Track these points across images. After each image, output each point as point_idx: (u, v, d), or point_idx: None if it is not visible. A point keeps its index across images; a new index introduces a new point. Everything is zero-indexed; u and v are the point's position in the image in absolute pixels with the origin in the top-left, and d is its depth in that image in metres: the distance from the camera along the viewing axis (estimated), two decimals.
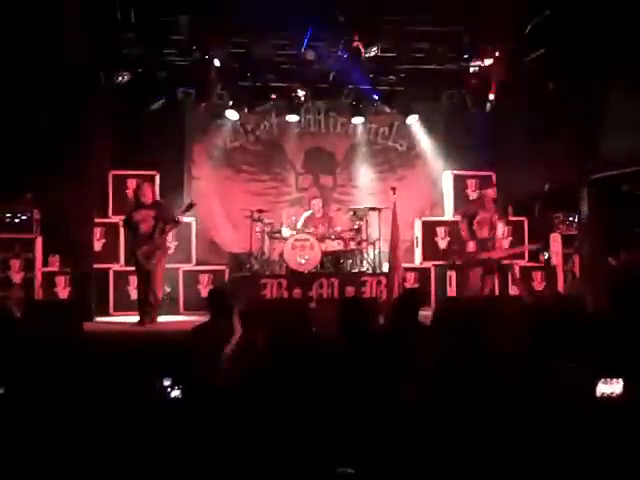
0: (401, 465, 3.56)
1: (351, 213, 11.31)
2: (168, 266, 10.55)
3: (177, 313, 10.70)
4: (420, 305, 5.65)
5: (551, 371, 3.96)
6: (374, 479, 3.52)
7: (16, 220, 10.56)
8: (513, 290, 10.70)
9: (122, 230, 10.49)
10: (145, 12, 9.64)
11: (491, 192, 9.64)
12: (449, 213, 11.80)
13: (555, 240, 11.38)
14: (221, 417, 3.83)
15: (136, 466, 3.63)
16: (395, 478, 3.56)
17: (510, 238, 11.29)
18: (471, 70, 11.15)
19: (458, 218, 9.87)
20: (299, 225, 11.10)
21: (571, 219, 11.14)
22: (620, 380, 3.94)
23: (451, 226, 11.14)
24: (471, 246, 9.34)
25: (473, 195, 11.66)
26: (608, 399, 3.93)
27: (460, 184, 11.77)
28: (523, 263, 11.24)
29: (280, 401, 3.95)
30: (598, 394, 3.93)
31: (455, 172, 11.80)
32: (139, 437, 3.77)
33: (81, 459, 3.71)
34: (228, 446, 3.65)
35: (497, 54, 10.84)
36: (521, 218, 11.49)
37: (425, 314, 5.62)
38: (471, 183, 11.73)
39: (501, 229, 9.63)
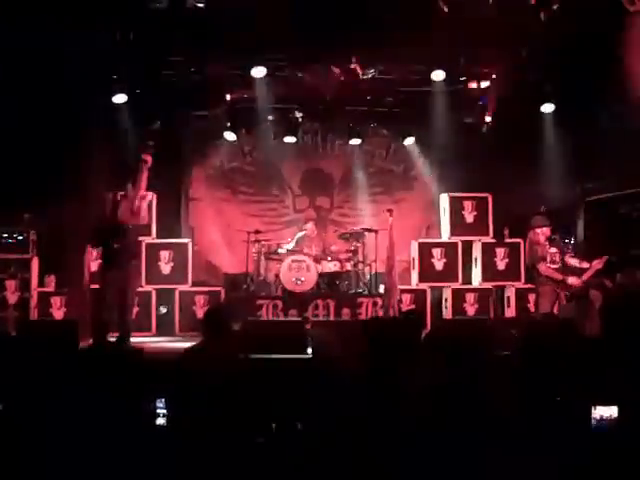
0: None
1: (348, 234, 11.32)
2: (164, 287, 10.59)
3: (172, 334, 10.66)
4: (421, 327, 5.65)
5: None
6: None
7: (12, 240, 10.56)
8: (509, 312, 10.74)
9: None
10: (143, 33, 9.65)
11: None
12: (445, 235, 11.80)
13: None
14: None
15: None
16: None
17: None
18: (468, 92, 11.20)
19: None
20: (291, 245, 11.10)
21: (567, 241, 11.13)
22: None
23: None
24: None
25: (469, 217, 11.66)
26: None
27: (457, 206, 11.77)
28: (519, 285, 11.22)
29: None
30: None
31: (452, 194, 11.82)
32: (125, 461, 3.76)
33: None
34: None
35: (494, 76, 10.91)
36: (517, 240, 11.49)
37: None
38: (467, 205, 11.73)
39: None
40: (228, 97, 11.14)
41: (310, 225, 11.44)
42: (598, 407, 3.96)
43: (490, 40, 9.86)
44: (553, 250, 8.91)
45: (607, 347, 4.61)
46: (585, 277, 8.79)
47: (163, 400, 4.05)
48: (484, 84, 11.03)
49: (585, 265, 8.90)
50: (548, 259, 8.87)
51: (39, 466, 3.81)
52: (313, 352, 6.70)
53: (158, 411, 4.04)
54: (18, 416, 4.13)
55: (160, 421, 4.03)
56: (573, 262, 9.01)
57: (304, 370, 5.40)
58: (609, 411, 3.96)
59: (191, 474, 3.67)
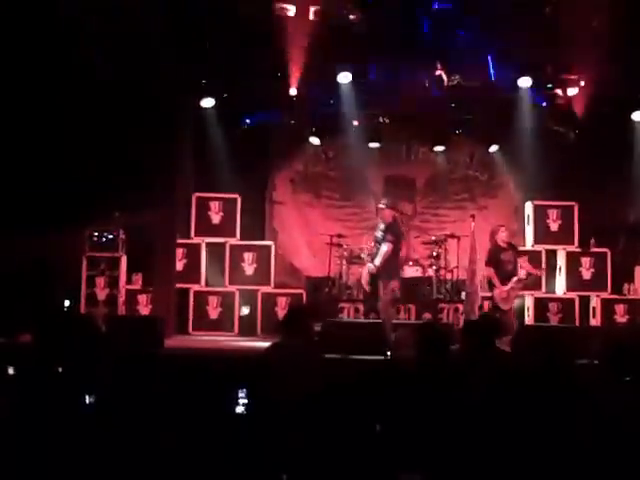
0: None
1: (430, 240, 11.31)
2: (246, 287, 10.81)
3: (254, 335, 10.82)
4: (497, 331, 5.61)
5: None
6: None
7: (103, 239, 10.90)
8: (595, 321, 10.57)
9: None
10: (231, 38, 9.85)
11: None
12: (529, 243, 11.67)
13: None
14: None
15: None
16: None
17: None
18: (555, 99, 11.06)
19: None
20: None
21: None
22: None
23: None
24: None
25: (554, 226, 11.52)
26: None
27: (541, 214, 11.62)
28: (605, 295, 11.01)
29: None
30: None
31: (536, 202, 11.68)
32: (208, 447, 3.88)
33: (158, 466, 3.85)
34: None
35: (582, 84, 10.74)
36: (604, 249, 11.27)
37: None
38: (552, 213, 11.57)
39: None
40: (313, 102, 11.25)
41: None
42: None
43: (579, 46, 9.75)
44: None
45: None
46: None
47: (245, 390, 4.17)
48: (572, 91, 10.85)
49: None
50: None
51: (132, 453, 3.95)
52: (391, 354, 6.76)
53: (239, 400, 4.17)
54: (111, 409, 4.28)
55: (239, 409, 4.16)
56: None
57: (381, 371, 5.46)
58: None
59: (266, 458, 3.79)
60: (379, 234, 9.20)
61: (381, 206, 9.37)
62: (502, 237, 9.50)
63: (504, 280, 9.33)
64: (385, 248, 8.98)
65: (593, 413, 3.85)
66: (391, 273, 9.06)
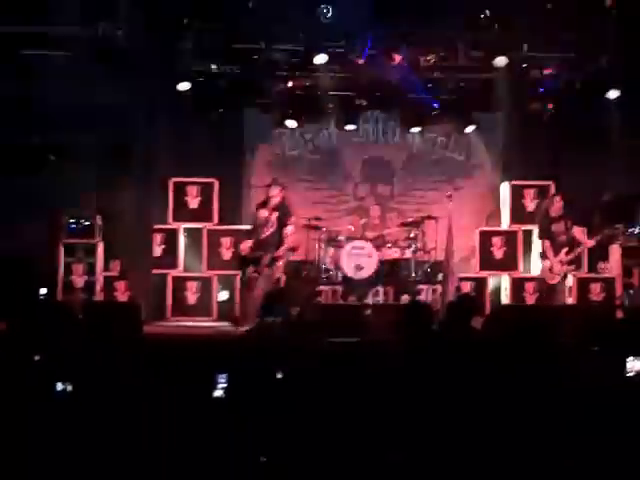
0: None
1: (408, 222, 11.33)
2: (225, 272, 10.81)
3: (233, 319, 10.81)
4: (473, 311, 5.65)
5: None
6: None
7: (79, 226, 10.84)
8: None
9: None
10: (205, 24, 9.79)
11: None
12: (506, 223, 11.72)
13: (614, 252, 11.20)
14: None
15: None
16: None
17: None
18: (531, 78, 11.08)
19: None
20: (356, 233, 11.17)
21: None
22: None
23: None
24: None
25: (530, 206, 11.58)
26: None
27: (518, 194, 11.68)
28: (582, 274, 11.09)
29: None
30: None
31: (512, 182, 11.72)
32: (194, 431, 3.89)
33: (141, 453, 3.85)
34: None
35: (557, 64, 10.77)
36: (580, 228, 11.32)
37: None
38: (529, 193, 11.63)
39: None
40: (290, 84, 11.21)
41: (376, 208, 11.51)
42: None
43: (553, 26, 9.78)
44: None
45: None
46: None
47: (224, 374, 4.19)
48: (547, 71, 10.87)
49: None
50: None
51: (108, 441, 3.94)
52: (366, 335, 6.80)
53: (218, 385, 4.18)
54: (88, 396, 4.27)
55: (218, 393, 4.18)
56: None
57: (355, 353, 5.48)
58: None
59: (244, 442, 3.81)
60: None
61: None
62: (556, 208, 9.45)
63: (556, 252, 9.27)
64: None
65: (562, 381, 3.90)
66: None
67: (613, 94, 10.82)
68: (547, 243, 9.37)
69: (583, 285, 10.97)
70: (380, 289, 10.60)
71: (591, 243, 9.81)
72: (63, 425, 4.00)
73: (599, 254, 11.22)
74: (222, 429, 4.01)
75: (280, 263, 9.54)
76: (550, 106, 11.29)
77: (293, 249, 10.21)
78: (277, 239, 9.40)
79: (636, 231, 10.93)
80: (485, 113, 11.75)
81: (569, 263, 9.48)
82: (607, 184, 11.14)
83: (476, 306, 6.02)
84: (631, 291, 10.72)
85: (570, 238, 9.42)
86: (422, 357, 4.58)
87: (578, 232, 9.72)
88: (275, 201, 9.41)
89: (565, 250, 9.31)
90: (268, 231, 9.37)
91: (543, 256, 9.44)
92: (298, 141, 12.51)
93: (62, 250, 10.77)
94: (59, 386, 4.22)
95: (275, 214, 9.37)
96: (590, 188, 11.26)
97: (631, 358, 4.04)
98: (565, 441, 3.60)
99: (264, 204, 9.50)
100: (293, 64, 10.69)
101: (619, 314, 8.97)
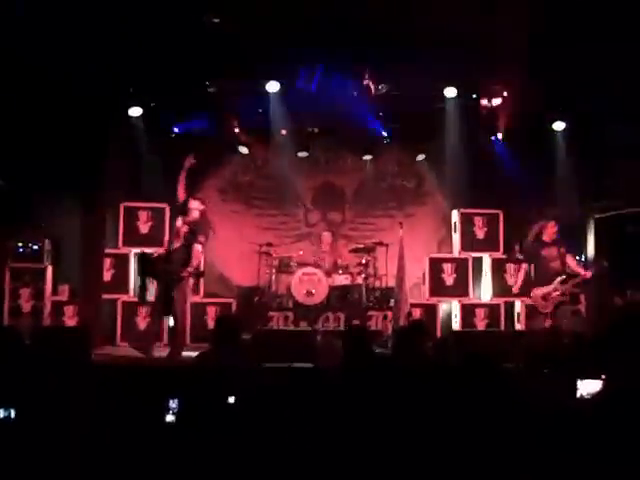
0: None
1: (359, 248, 11.41)
2: None
3: (184, 344, 10.71)
4: (424, 337, 5.72)
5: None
6: None
7: (27, 250, 10.68)
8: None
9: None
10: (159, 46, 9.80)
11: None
12: (456, 250, 11.87)
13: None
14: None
15: None
16: None
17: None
18: (480, 109, 11.29)
19: None
20: (307, 259, 11.21)
21: (578, 258, 11.14)
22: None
23: None
24: None
25: (480, 233, 11.74)
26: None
27: (468, 222, 11.84)
28: (530, 301, 11.20)
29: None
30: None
31: (462, 210, 11.89)
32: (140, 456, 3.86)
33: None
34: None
35: (505, 93, 11.00)
36: None
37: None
38: (478, 221, 11.81)
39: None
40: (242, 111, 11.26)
41: (327, 234, 11.57)
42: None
43: (501, 57, 9.98)
44: None
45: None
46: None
47: (176, 400, 4.17)
48: (496, 101, 11.10)
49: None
50: None
51: (52, 467, 3.90)
52: (317, 361, 6.84)
53: (170, 409, 4.16)
54: (30, 421, 4.21)
55: (169, 418, 4.16)
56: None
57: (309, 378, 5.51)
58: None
59: (197, 468, 3.79)
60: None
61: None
62: (551, 232, 9.21)
63: (543, 279, 9.06)
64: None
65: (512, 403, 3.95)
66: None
67: (559, 126, 11.10)
68: (526, 267, 9.37)
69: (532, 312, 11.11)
70: (331, 315, 10.65)
71: (588, 275, 9.26)
72: (8, 451, 3.95)
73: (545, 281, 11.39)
74: (173, 454, 3.99)
75: (182, 283, 8.76)
76: (499, 136, 11.49)
77: (199, 274, 9.60)
78: (184, 256, 8.72)
79: (582, 259, 11.11)
80: (435, 142, 11.91)
81: (562, 294, 9.13)
82: (553, 213, 11.34)
83: (427, 332, 6.07)
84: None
85: (562, 265, 9.17)
86: (361, 380, 4.62)
87: (571, 261, 9.39)
88: (194, 215, 8.82)
89: (560, 279, 9.07)
90: (175, 245, 8.79)
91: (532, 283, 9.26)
92: (250, 166, 12.54)
93: (8, 275, 10.59)
94: (1, 412, 4.16)
95: (185, 228, 8.77)
96: (537, 216, 11.45)
97: (582, 380, 4.13)
98: (517, 462, 3.65)
99: (183, 212, 8.83)
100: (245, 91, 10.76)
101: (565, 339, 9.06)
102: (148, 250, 10.33)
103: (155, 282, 9.04)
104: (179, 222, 8.79)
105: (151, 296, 9.14)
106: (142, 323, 10.81)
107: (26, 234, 10.69)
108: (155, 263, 8.94)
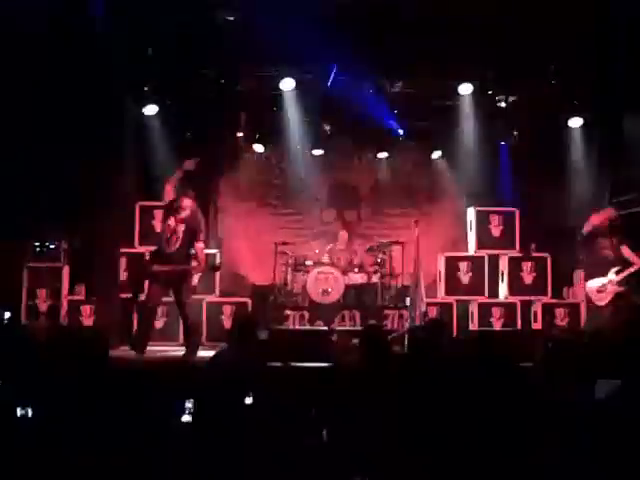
0: None
1: (374, 247, 11.39)
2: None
3: (199, 344, 10.71)
4: (443, 335, 5.71)
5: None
6: None
7: (44, 250, 10.71)
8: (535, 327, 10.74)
9: None
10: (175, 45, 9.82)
11: None
12: (472, 249, 11.81)
13: (579, 277, 11.31)
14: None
15: None
16: None
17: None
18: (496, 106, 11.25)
19: None
20: (323, 258, 11.19)
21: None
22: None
23: None
24: None
25: (496, 231, 11.67)
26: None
27: (483, 220, 11.77)
28: (546, 299, 11.18)
29: None
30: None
31: (478, 208, 11.83)
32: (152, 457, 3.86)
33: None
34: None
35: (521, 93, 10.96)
36: (544, 254, 11.45)
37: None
38: (494, 219, 11.73)
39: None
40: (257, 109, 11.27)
41: (343, 233, 11.55)
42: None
43: (519, 55, 9.94)
44: None
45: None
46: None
47: (191, 400, 4.17)
48: (512, 98, 11.05)
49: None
50: None
51: (68, 466, 3.90)
52: (334, 360, 6.82)
53: (186, 410, 4.16)
54: (48, 420, 4.22)
55: (186, 418, 4.16)
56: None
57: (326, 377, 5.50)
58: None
59: (213, 469, 3.79)
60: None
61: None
62: (604, 221, 8.66)
63: (596, 270, 8.65)
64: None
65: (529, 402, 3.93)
66: None
67: (576, 122, 11.03)
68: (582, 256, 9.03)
69: (549, 310, 11.08)
70: (346, 314, 10.62)
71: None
72: (26, 452, 3.95)
73: (563, 279, 11.35)
74: (189, 454, 3.99)
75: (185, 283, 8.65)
76: (515, 133, 11.44)
77: (214, 267, 9.57)
78: (183, 257, 8.54)
79: None
80: (450, 140, 11.85)
81: (619, 283, 8.58)
82: (571, 210, 11.25)
83: (446, 330, 6.06)
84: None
85: (618, 256, 8.63)
86: (380, 379, 4.60)
87: (626, 250, 8.76)
88: (185, 213, 8.48)
89: (616, 269, 8.59)
90: (174, 246, 8.50)
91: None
92: (265, 166, 12.54)
93: (26, 274, 10.63)
94: (19, 411, 4.17)
95: (182, 227, 8.49)
96: (554, 214, 11.39)
97: (601, 381, 4.08)
98: (535, 461, 3.63)
99: (174, 211, 8.50)
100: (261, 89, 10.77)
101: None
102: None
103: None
104: (172, 222, 8.54)
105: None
106: (158, 322, 10.81)
107: (43, 234, 10.73)
108: (151, 264, 8.79)
